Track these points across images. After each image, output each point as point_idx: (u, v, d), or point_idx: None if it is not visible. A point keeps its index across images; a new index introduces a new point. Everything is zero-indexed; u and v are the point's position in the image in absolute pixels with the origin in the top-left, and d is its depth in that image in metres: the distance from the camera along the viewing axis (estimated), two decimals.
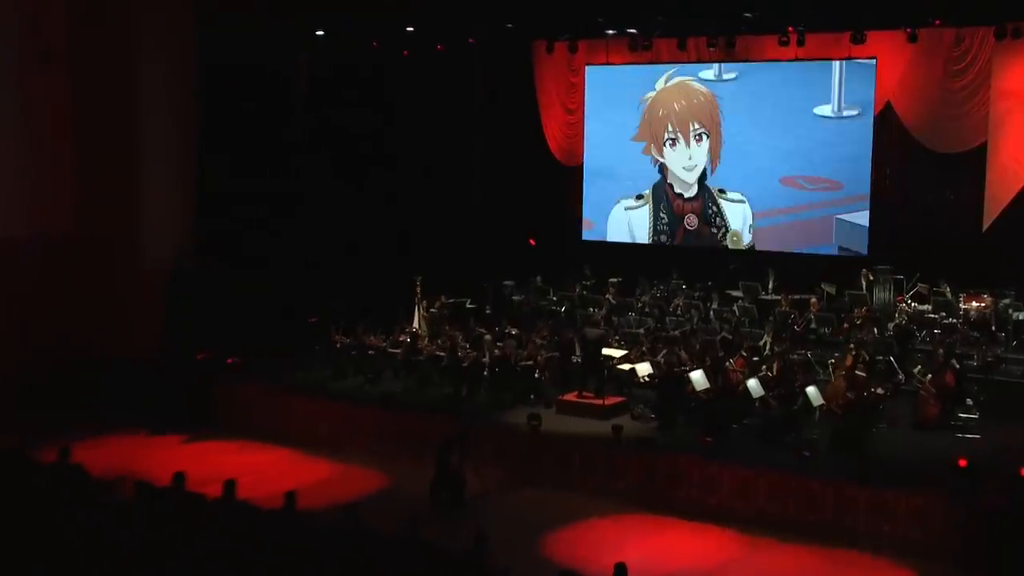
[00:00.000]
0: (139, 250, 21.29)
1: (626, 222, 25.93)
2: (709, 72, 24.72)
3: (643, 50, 23.93)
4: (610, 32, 24.46)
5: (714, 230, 24.79)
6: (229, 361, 20.25)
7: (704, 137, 24.75)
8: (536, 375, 19.23)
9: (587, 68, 26.18)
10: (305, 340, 21.57)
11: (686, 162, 25.05)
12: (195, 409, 19.53)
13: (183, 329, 20.89)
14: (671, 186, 25.30)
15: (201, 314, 20.85)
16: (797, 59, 23.08)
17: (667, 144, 25.19)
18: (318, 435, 18.64)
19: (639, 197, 25.71)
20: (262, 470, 16.96)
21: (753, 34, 23.33)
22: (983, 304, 20.50)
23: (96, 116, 21.12)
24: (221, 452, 18.21)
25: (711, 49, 23.63)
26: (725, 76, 24.59)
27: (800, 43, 22.29)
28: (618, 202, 26.02)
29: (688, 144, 24.95)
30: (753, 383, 17.20)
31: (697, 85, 24.68)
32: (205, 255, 21.96)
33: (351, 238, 24.24)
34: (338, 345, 20.85)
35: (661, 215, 25.45)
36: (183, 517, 12.00)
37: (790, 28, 22.09)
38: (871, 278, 21.54)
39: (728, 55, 23.78)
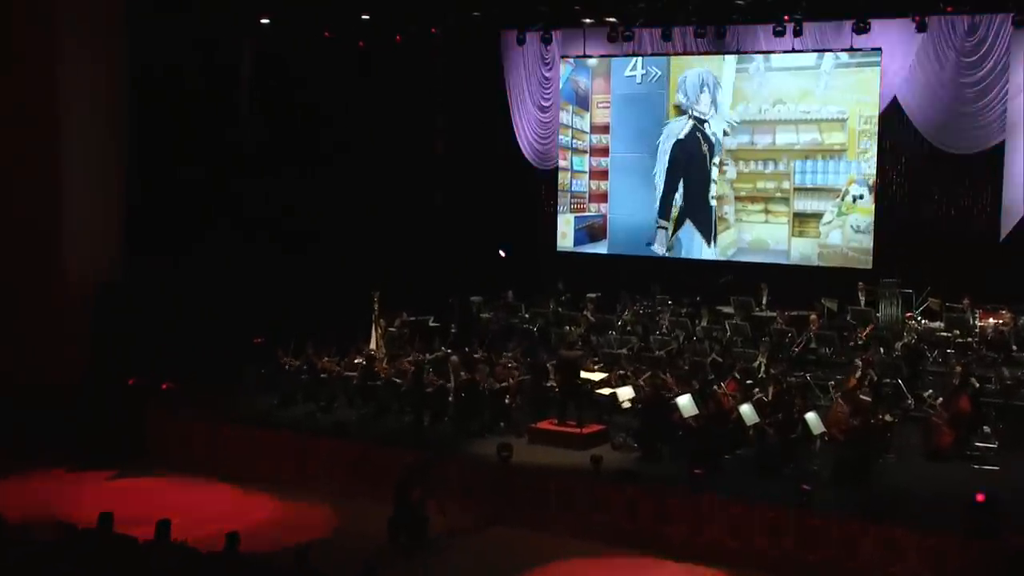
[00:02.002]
0: (60, 264, 21.07)
1: None
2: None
3: (624, 41, 23.98)
4: (587, 21, 24.52)
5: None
6: (163, 386, 20.11)
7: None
8: (507, 401, 19.17)
9: (562, 61, 26.23)
10: (249, 362, 21.45)
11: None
12: (125, 441, 19.36)
13: (111, 351, 20.72)
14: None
15: (131, 334, 20.68)
16: (794, 51, 23.23)
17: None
18: (263, 469, 18.50)
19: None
20: (200, 509, 16.81)
21: (745, 23, 23.45)
22: (1001, 321, 20.58)
23: (9, 114, 20.94)
24: (154, 489, 18.04)
25: (699, 40, 23.70)
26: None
27: (797, 33, 22.42)
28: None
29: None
30: (746, 409, 17.20)
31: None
32: (135, 268, 21.79)
33: (300, 249, 24.13)
34: (286, 368, 20.75)
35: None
36: (111, 562, 11.89)
37: (786, 17, 22.20)
38: (870, 293, 21.66)
39: (717, 47, 23.89)
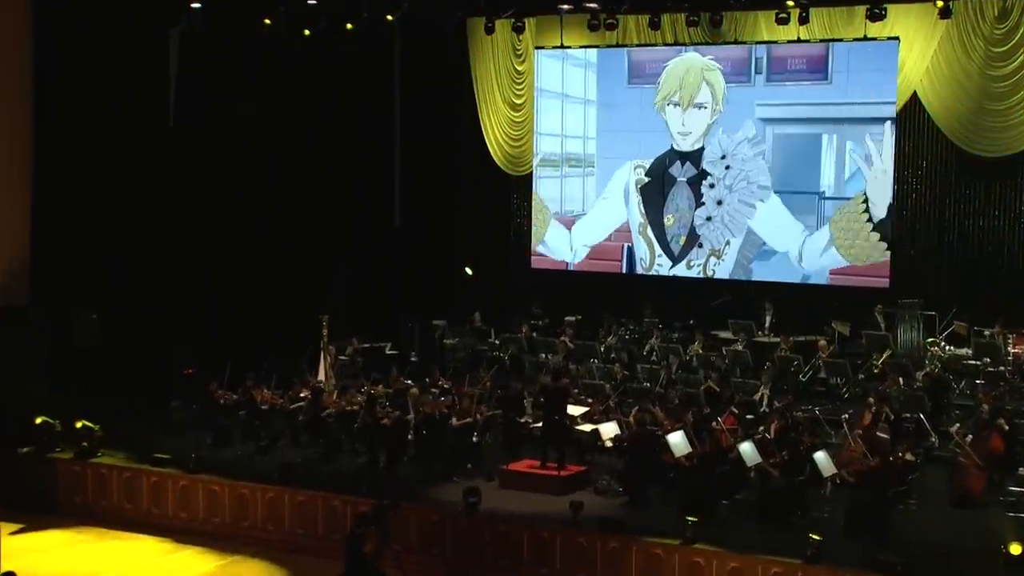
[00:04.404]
0: None
1: None
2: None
3: (607, 29, 23.99)
4: (565, 7, 24.52)
5: None
6: (78, 425, 19.92)
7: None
8: (474, 439, 19.11)
9: (536, 53, 26.25)
10: (178, 397, 21.32)
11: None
12: (32, 488, 19.20)
13: (15, 386, 20.51)
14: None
15: (39, 366, 20.51)
16: (799, 41, 23.29)
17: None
18: (194, 520, 18.38)
19: None
20: (120, 566, 16.75)
21: (743, 9, 23.51)
22: None
23: None
24: (67, 544, 17.91)
25: (691, 29, 23.74)
26: None
27: (803, 20, 22.44)
28: None
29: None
30: (747, 447, 17.15)
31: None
32: (43, 291, 21.62)
33: (237, 267, 24.01)
34: (221, 403, 20.61)
35: None
36: None
37: (790, 2, 22.23)
38: (887, 315, 21.71)
39: (712, 36, 23.94)
